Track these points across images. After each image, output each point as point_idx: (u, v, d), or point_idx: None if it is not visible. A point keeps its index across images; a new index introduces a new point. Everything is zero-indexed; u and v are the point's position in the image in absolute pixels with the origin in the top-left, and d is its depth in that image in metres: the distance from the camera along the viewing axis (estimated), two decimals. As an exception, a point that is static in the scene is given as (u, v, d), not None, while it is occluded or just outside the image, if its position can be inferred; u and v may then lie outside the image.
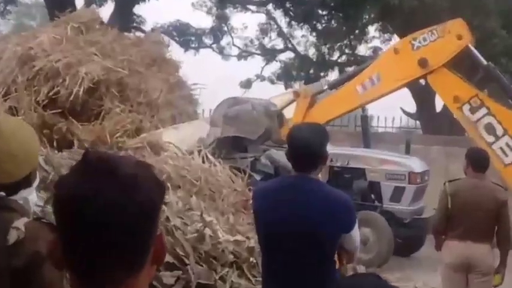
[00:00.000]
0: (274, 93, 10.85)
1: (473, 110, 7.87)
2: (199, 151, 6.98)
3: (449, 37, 8.14)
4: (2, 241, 1.88)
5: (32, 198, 2.07)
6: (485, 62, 8.07)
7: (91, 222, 1.16)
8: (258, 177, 8.33)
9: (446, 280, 5.42)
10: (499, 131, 7.69)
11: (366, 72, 8.71)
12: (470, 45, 8.13)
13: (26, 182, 2.04)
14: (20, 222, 1.91)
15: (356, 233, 3.22)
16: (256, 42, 21.64)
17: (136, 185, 1.20)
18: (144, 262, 1.22)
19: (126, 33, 10.99)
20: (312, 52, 20.25)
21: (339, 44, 19.52)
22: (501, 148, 7.63)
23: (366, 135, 9.96)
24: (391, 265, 8.55)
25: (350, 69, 18.74)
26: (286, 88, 19.61)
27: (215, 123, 9.19)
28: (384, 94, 8.62)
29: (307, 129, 3.29)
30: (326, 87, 9.05)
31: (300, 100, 8.98)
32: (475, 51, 8.15)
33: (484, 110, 7.84)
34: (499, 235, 5.24)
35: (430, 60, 8.20)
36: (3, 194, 2.00)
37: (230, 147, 8.80)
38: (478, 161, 5.32)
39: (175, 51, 12.76)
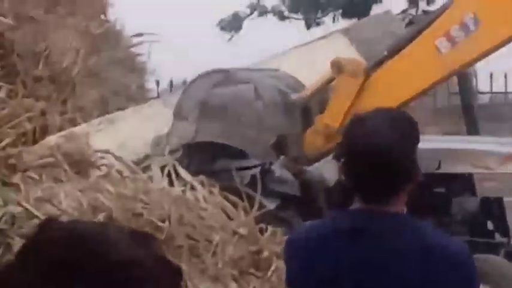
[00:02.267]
0: (287, 40, 11.04)
1: None
2: (163, 165, 7.22)
3: None
4: None
5: None
6: None
7: None
8: (271, 205, 8.51)
9: None
10: None
11: (452, 13, 8.78)
12: None
13: None
14: None
15: None
16: None
17: (137, 279, 1.42)
18: None
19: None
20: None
21: None
22: None
23: (470, 111, 10.11)
24: None
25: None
26: (308, 27, 19.52)
27: (184, 115, 9.32)
28: (489, 50, 8.73)
29: (381, 122, 3.38)
30: (385, 53, 9.11)
31: (344, 81, 9.04)
32: None
33: None
34: None
35: None
36: None
37: (210, 156, 9.03)
38: None
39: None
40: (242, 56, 11.90)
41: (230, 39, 21.14)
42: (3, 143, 7.63)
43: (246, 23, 21.13)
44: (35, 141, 8.05)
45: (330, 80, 9.19)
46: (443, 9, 9.12)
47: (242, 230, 6.72)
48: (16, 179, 6.68)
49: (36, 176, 6.78)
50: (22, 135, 8.08)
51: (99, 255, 1.42)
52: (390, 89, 8.81)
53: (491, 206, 9.25)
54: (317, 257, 3.33)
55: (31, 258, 1.45)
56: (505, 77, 15.77)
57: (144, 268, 1.44)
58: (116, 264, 1.42)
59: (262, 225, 7.07)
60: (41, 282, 1.41)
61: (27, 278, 1.42)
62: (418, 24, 9.55)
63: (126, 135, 8.80)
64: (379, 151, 3.24)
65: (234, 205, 7.13)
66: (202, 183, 7.21)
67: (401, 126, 3.37)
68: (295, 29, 19.80)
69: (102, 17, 10.58)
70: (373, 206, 3.28)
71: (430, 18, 9.29)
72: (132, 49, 10.78)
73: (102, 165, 7.32)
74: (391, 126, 3.32)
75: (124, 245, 1.45)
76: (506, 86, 15.93)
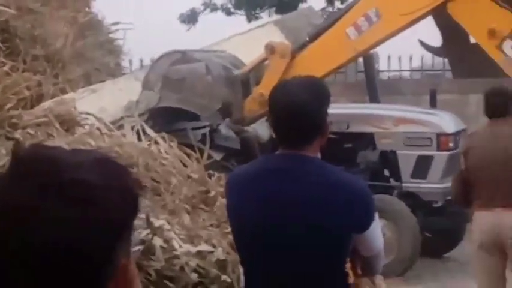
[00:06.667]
0: (232, 30, 11.10)
1: (517, 48, 7.87)
2: (133, 125, 7.21)
3: None
4: None
5: None
6: None
7: (22, 257, 1.21)
8: (217, 156, 8.60)
9: (477, 265, 5.86)
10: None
11: (359, 8, 8.80)
12: None
13: None
14: None
15: (375, 233, 3.35)
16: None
17: (92, 194, 1.24)
18: None
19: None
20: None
21: None
22: None
23: (372, 85, 10.15)
24: (419, 271, 8.73)
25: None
26: (249, 20, 19.55)
27: (150, 86, 9.37)
28: (387, 36, 8.78)
29: (298, 85, 3.35)
30: (307, 38, 9.14)
31: (275, 60, 9.03)
32: None
33: None
34: None
35: None
36: None
37: (170, 118, 9.12)
38: (494, 104, 5.80)
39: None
40: (197, 42, 11.92)
41: (188, 29, 21.31)
42: (7, 106, 7.45)
43: (200, 17, 21.32)
44: (32, 106, 7.93)
45: (264, 59, 9.23)
46: (352, 4, 9.19)
47: (194, 175, 6.62)
48: (17, 134, 6.53)
49: (33, 132, 6.65)
50: (22, 100, 7.91)
51: (56, 172, 1.23)
52: (311, 67, 8.68)
53: (388, 158, 9.40)
54: (250, 189, 3.31)
55: (19, 178, 1.24)
56: (399, 59, 15.82)
57: (95, 190, 1.23)
58: (74, 182, 1.22)
59: (210, 172, 6.97)
60: (13, 178, 1.23)
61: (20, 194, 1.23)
62: (332, 17, 9.58)
63: (105, 101, 8.82)
64: (296, 108, 3.21)
65: (189, 156, 7.01)
66: (164, 139, 7.08)
67: (315, 89, 3.33)
68: (239, 22, 20.00)
69: (87, 9, 10.55)
70: (292, 151, 3.25)
71: (342, 12, 9.38)
72: (111, 35, 10.78)
73: (86, 124, 7.21)
74: (307, 89, 3.29)
75: (84, 164, 1.25)
76: (400, 66, 15.96)
